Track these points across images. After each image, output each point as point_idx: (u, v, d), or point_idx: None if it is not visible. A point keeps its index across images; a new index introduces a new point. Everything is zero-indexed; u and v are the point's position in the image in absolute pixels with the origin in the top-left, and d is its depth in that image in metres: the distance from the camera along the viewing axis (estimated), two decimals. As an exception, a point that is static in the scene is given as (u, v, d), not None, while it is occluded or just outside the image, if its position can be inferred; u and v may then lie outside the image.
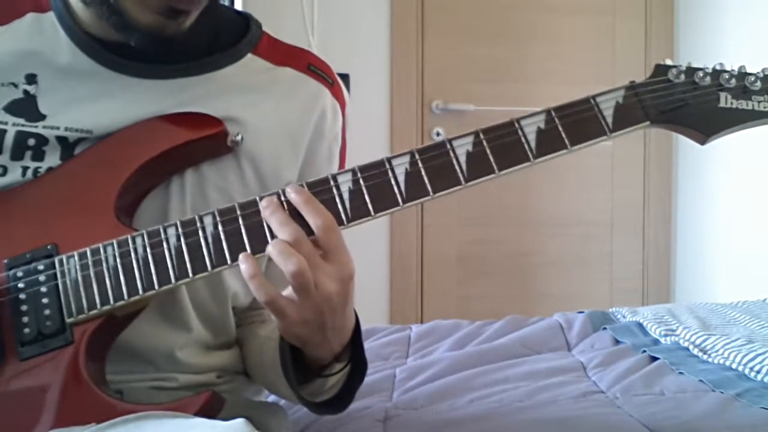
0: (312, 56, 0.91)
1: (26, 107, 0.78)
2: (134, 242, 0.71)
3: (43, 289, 0.71)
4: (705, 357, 1.26)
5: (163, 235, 0.71)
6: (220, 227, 0.70)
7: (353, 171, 0.71)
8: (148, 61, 0.80)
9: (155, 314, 0.78)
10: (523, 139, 0.72)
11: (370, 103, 2.63)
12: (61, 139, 0.78)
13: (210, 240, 0.70)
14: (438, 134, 2.69)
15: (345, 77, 2.27)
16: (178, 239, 0.71)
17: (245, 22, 0.89)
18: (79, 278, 0.71)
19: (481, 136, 0.72)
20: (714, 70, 0.75)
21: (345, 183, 0.71)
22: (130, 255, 0.71)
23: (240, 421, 0.59)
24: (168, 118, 0.79)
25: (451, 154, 0.72)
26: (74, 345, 0.70)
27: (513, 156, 0.72)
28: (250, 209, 0.71)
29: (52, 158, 0.77)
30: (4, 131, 0.77)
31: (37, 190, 0.76)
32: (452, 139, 0.72)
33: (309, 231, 0.68)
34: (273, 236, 0.69)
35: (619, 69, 2.76)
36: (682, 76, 0.75)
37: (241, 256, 0.67)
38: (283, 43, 0.91)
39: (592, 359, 1.32)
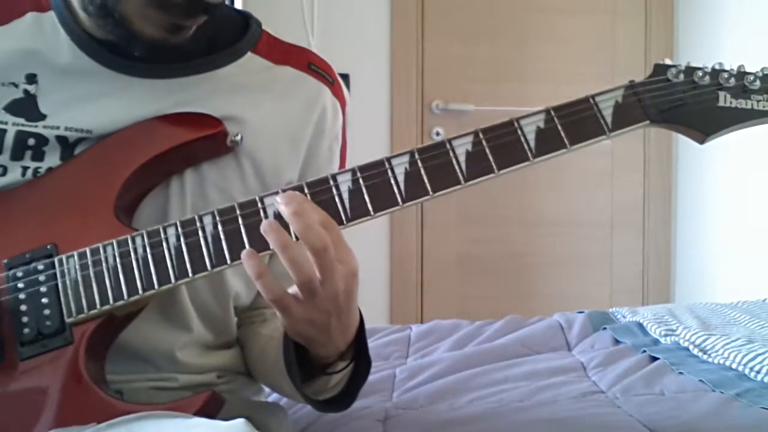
0: (312, 55, 0.91)
1: (26, 107, 0.78)
2: (134, 242, 0.71)
3: (43, 289, 0.71)
4: (705, 357, 1.26)
5: (162, 235, 0.71)
6: (219, 227, 0.70)
7: (353, 171, 0.71)
8: (148, 60, 0.80)
9: (155, 314, 0.79)
10: (523, 139, 0.72)
11: (370, 103, 2.63)
12: (61, 139, 0.78)
13: (210, 240, 0.70)
14: (438, 134, 2.69)
15: (345, 77, 2.28)
16: (178, 239, 0.71)
17: (245, 20, 0.89)
18: (79, 278, 0.71)
19: (481, 135, 0.72)
20: (713, 69, 0.75)
21: (345, 183, 0.71)
22: (130, 255, 0.71)
23: (240, 421, 0.59)
24: (168, 118, 0.79)
25: (451, 153, 0.72)
26: (74, 345, 0.70)
27: (512, 155, 0.72)
28: (250, 209, 0.71)
29: (52, 158, 0.77)
30: (4, 131, 0.77)
31: (37, 190, 0.77)
32: (452, 138, 0.72)
33: None
34: None
35: (619, 69, 2.76)
36: (682, 76, 0.75)
37: (244, 254, 0.67)
38: (283, 41, 0.91)
39: (592, 359, 1.32)
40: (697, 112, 0.74)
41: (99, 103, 0.79)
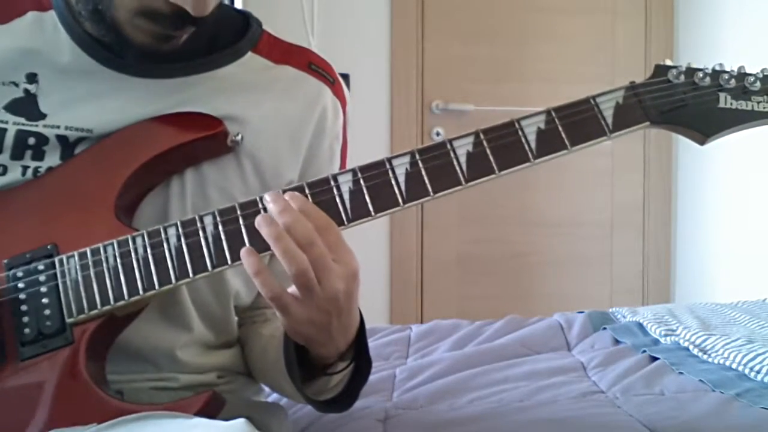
0: (313, 55, 0.91)
1: (27, 106, 0.78)
2: (134, 242, 0.71)
3: (43, 289, 0.71)
4: (705, 357, 1.26)
5: (163, 235, 0.71)
6: (220, 227, 0.70)
7: (354, 171, 0.71)
8: (149, 60, 0.80)
9: (156, 314, 0.78)
10: (524, 140, 0.72)
11: (370, 103, 2.63)
12: (61, 138, 0.78)
13: (210, 240, 0.70)
14: (438, 134, 2.69)
15: (345, 77, 2.27)
16: (179, 239, 0.70)
17: (245, 20, 0.89)
18: (80, 278, 0.71)
19: (482, 136, 0.72)
20: (714, 70, 0.76)
21: (345, 183, 0.71)
22: (131, 255, 0.71)
23: (240, 421, 0.59)
24: (168, 118, 0.79)
25: (452, 154, 0.72)
26: (74, 345, 0.70)
27: (513, 156, 0.72)
28: (251, 209, 0.70)
29: (52, 158, 0.77)
30: (5, 130, 0.77)
31: (37, 190, 0.77)
32: (453, 139, 0.72)
33: None
34: None
35: (619, 69, 2.76)
36: (682, 77, 0.75)
37: (243, 252, 0.67)
38: (284, 41, 0.91)
39: (592, 359, 1.32)
40: (697, 113, 0.74)
41: (99, 103, 0.79)
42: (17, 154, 0.77)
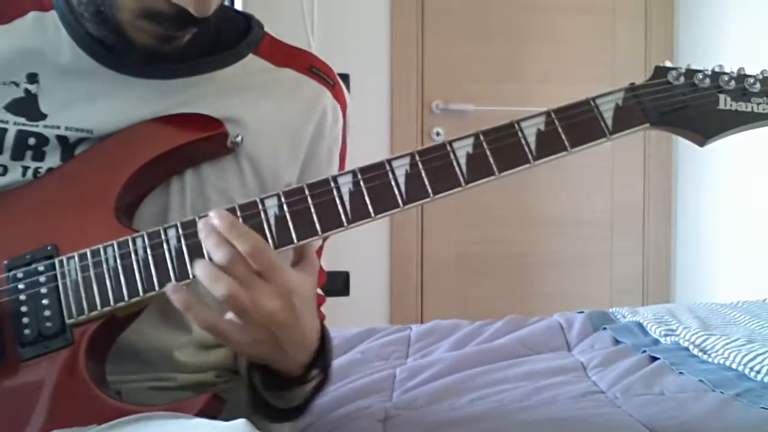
0: (313, 58, 0.91)
1: (27, 106, 0.78)
2: (135, 243, 0.71)
3: (44, 290, 0.71)
4: (705, 357, 1.26)
5: (163, 237, 0.71)
6: (220, 228, 0.70)
7: (353, 172, 0.71)
8: (149, 61, 0.80)
9: (155, 315, 0.78)
10: (523, 141, 0.72)
11: (370, 103, 2.63)
12: (61, 139, 0.78)
13: (210, 241, 0.70)
14: (438, 134, 2.69)
15: (345, 77, 2.27)
16: (179, 240, 0.70)
17: (246, 22, 0.89)
18: (80, 279, 0.71)
19: (482, 137, 0.72)
20: (713, 72, 0.76)
21: (345, 184, 0.71)
22: (131, 256, 0.71)
23: (241, 421, 0.59)
24: (168, 119, 0.79)
25: (452, 155, 0.72)
26: (74, 346, 0.70)
27: (513, 158, 0.72)
28: (250, 210, 0.70)
29: (53, 158, 0.77)
30: (5, 130, 0.77)
31: (38, 191, 0.76)
32: (452, 140, 0.72)
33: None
34: (274, 241, 0.69)
35: (619, 69, 2.76)
36: (682, 78, 0.75)
37: (169, 289, 0.66)
38: (285, 43, 0.91)
39: (592, 359, 1.32)
40: (697, 114, 0.74)
41: (100, 103, 0.79)
42: (17, 155, 0.77)
